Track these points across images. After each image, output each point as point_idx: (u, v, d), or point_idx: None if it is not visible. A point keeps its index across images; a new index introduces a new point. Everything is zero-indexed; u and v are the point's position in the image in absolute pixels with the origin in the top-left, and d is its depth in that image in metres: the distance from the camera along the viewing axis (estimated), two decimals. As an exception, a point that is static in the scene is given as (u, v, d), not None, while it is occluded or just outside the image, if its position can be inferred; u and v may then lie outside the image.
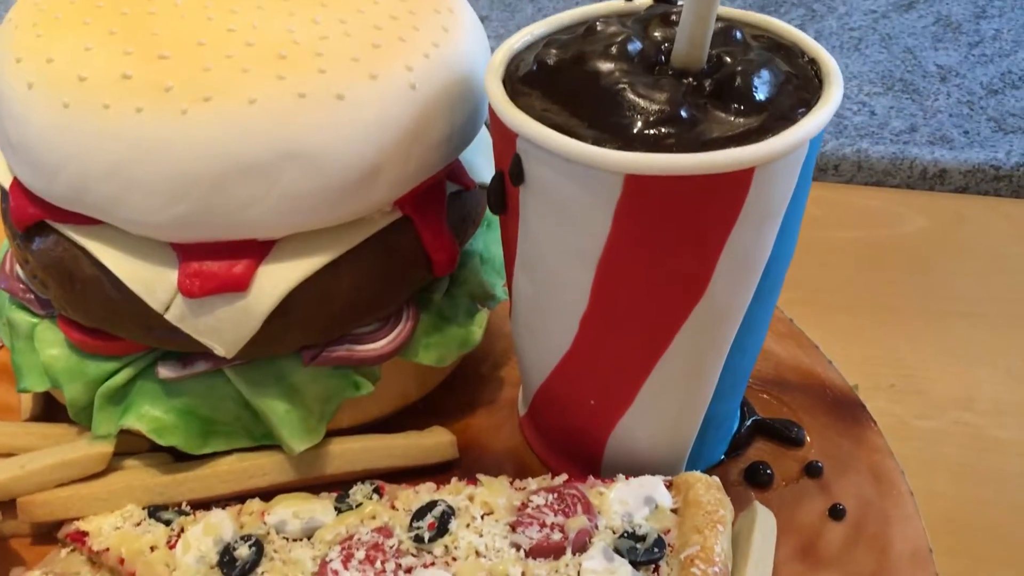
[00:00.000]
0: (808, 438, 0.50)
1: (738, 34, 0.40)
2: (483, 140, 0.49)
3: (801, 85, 0.39)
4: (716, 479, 0.42)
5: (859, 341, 0.59)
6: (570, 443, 0.47)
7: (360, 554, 0.39)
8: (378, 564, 0.39)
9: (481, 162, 0.51)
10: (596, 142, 0.36)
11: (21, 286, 0.47)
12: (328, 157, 0.40)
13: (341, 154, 0.40)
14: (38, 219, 0.43)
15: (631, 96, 0.36)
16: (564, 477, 0.43)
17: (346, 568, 0.39)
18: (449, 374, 0.53)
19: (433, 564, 0.39)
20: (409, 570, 0.39)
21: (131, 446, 0.47)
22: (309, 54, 0.41)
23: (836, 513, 0.46)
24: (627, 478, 0.42)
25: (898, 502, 0.46)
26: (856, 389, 0.54)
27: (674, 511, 0.41)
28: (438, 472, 0.48)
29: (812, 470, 0.48)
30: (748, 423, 0.50)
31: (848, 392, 0.53)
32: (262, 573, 0.40)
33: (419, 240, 0.46)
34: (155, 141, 0.39)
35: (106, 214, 0.41)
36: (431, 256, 0.46)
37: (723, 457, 0.49)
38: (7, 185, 0.45)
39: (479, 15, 0.93)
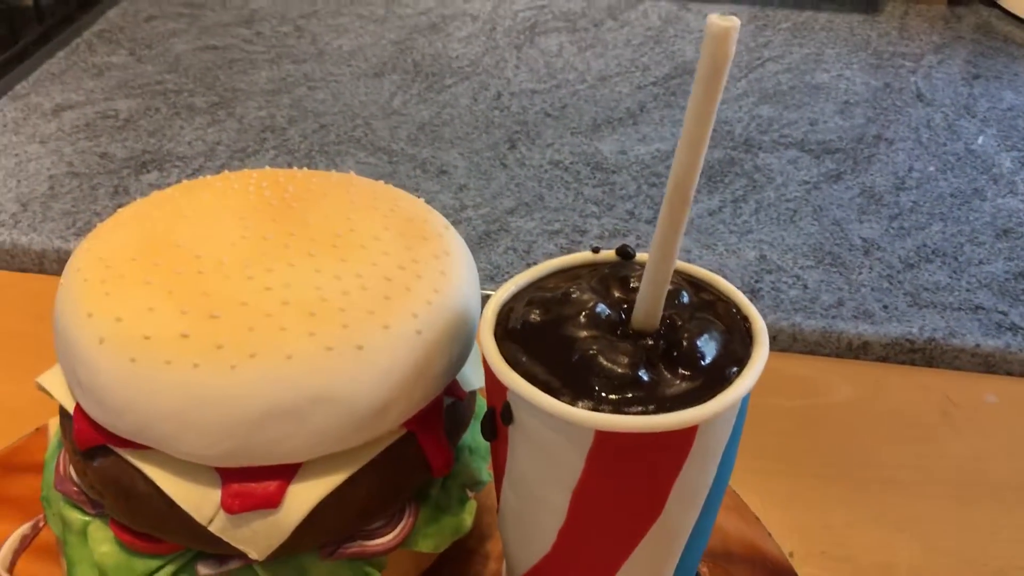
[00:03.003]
0: (750, 609, 0.59)
1: (685, 297, 0.50)
2: (472, 352, 0.58)
3: (735, 343, 0.48)
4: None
5: (794, 507, 0.68)
6: (548, 622, 0.55)
7: None
8: None
9: (470, 371, 0.59)
10: (572, 400, 0.45)
11: (75, 489, 0.55)
12: (349, 400, 0.48)
13: (360, 396, 0.49)
14: (99, 443, 0.51)
15: (600, 361, 0.45)
16: (545, 657, 0.51)
17: None
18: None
19: None
20: None
21: (168, 629, 0.54)
22: (334, 310, 0.49)
23: None
24: (598, 658, 0.50)
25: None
26: (791, 557, 0.63)
27: None
28: (435, 647, 0.56)
29: (754, 640, 0.57)
30: (699, 596, 0.59)
31: (784, 563, 0.62)
32: None
33: (421, 450, 0.54)
34: (209, 392, 0.47)
35: (163, 446, 0.49)
36: (431, 463, 0.55)
37: (678, 628, 0.57)
38: (71, 409, 0.53)
39: (457, 184, 1.04)
